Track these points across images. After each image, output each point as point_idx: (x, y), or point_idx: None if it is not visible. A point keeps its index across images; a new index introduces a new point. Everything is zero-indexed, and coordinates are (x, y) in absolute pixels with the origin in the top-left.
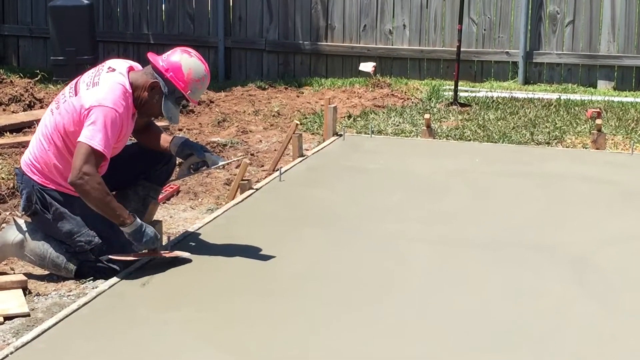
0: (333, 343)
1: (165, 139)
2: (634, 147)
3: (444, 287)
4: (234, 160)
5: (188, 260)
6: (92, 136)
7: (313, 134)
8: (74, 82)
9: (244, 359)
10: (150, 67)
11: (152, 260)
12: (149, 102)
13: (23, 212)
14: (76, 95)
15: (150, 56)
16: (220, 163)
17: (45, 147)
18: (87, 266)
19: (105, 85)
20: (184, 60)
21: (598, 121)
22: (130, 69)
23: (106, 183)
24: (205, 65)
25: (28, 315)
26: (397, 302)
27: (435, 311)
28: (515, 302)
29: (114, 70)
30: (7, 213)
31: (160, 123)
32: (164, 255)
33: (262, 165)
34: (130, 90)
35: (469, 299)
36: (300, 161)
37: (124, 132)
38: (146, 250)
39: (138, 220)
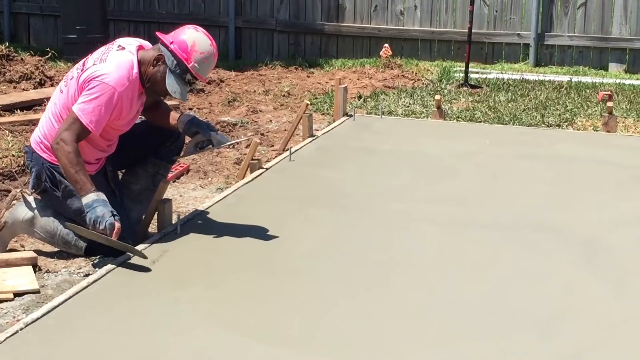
0: (340, 323)
1: (173, 117)
2: None
3: (452, 268)
4: (242, 140)
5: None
6: (84, 108)
7: (323, 114)
8: (82, 60)
9: (251, 338)
10: (159, 44)
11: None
12: (154, 76)
13: (33, 190)
14: (83, 72)
15: (159, 34)
16: (226, 143)
17: (55, 125)
18: (97, 244)
19: (112, 62)
20: (189, 33)
21: (609, 104)
22: (140, 47)
23: (115, 161)
24: (212, 40)
25: (38, 292)
26: (405, 283)
27: (444, 293)
28: (524, 284)
29: (123, 48)
30: (18, 190)
31: (170, 102)
32: (116, 242)
33: (272, 145)
34: (137, 68)
35: (478, 281)
36: (310, 141)
37: (126, 111)
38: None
39: (94, 196)
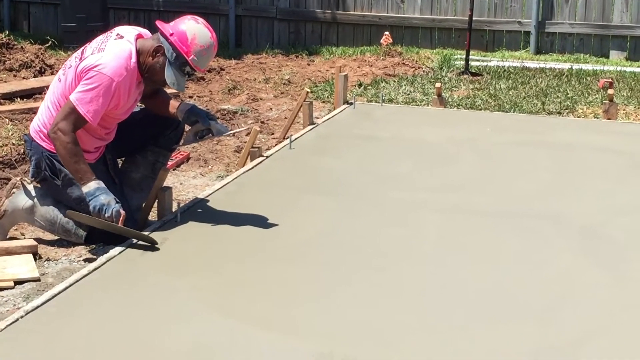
0: (339, 311)
1: (172, 105)
2: None
3: (452, 255)
4: (241, 130)
5: (154, 243)
6: (82, 98)
7: (323, 102)
8: (81, 49)
9: (250, 325)
10: (158, 34)
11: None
12: (153, 67)
13: (32, 179)
14: (82, 61)
15: (159, 23)
16: (225, 133)
17: (54, 114)
18: (97, 232)
19: (110, 51)
20: (190, 25)
21: (610, 91)
22: (139, 36)
23: (115, 149)
24: (212, 33)
25: (38, 280)
26: (405, 270)
27: (443, 280)
28: (524, 272)
29: (122, 37)
30: (18, 178)
31: (170, 90)
32: (125, 229)
33: (273, 133)
34: (136, 58)
35: (477, 268)
36: (311, 129)
37: (124, 101)
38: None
39: (95, 184)
